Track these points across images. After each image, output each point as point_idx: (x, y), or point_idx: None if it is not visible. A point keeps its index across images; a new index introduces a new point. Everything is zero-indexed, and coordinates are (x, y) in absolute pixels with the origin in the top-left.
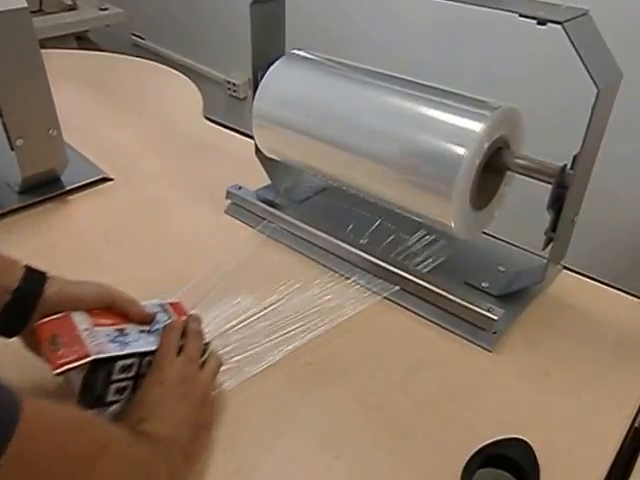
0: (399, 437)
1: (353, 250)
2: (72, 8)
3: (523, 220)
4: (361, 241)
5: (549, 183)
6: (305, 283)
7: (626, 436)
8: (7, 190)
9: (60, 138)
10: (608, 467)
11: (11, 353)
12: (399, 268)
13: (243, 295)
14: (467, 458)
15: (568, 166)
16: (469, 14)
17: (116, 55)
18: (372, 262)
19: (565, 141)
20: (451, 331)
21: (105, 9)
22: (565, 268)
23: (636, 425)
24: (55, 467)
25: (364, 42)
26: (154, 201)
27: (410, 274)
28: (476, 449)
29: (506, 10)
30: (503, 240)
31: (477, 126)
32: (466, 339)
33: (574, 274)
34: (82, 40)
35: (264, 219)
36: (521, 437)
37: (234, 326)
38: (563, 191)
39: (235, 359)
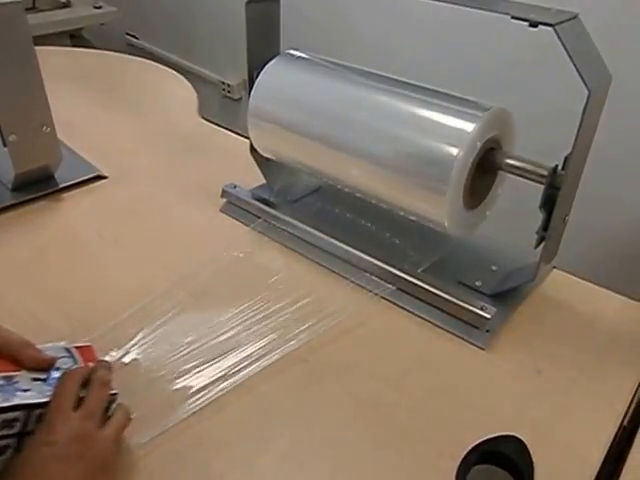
0: (395, 435)
1: (348, 249)
2: (66, 5)
3: (515, 220)
4: (357, 240)
5: (541, 183)
6: (300, 282)
7: (616, 433)
8: (0, 187)
9: (54, 135)
10: (599, 463)
11: None
12: (395, 267)
13: (237, 293)
14: (462, 455)
15: (559, 166)
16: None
17: (110, 53)
18: (368, 261)
19: (557, 142)
20: (445, 330)
21: (99, 7)
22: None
23: (625, 423)
24: None
25: (359, 44)
26: (148, 199)
27: (405, 273)
28: (471, 446)
29: (499, 12)
30: (496, 240)
31: (470, 126)
32: (460, 337)
33: (565, 273)
34: (76, 39)
35: (259, 218)
36: (514, 434)
37: (228, 324)
38: (554, 191)
39: (227, 359)
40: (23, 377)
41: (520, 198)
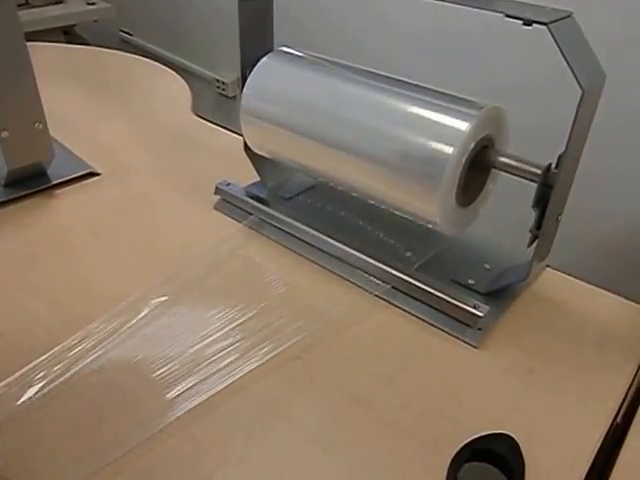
0: (387, 432)
1: (342, 247)
2: (59, 2)
3: (508, 218)
4: (351, 238)
5: (534, 182)
6: (294, 280)
7: (608, 431)
8: None
9: (46, 131)
10: (591, 461)
11: None
12: (388, 265)
13: (230, 290)
14: (454, 452)
15: (553, 165)
16: (456, 17)
17: (104, 49)
18: (362, 259)
19: (551, 141)
20: (438, 328)
21: (92, 3)
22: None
23: (618, 421)
24: None
25: (353, 44)
26: (142, 196)
27: (399, 272)
28: (463, 444)
29: (492, 10)
30: (489, 239)
31: (464, 125)
32: (453, 335)
33: (558, 272)
34: (70, 35)
35: (253, 215)
36: (506, 432)
37: (221, 321)
38: (548, 190)
39: (219, 356)
40: None
41: (514, 197)
